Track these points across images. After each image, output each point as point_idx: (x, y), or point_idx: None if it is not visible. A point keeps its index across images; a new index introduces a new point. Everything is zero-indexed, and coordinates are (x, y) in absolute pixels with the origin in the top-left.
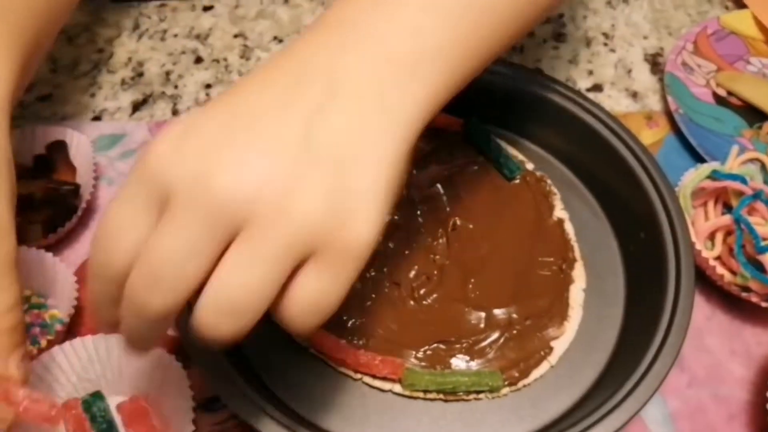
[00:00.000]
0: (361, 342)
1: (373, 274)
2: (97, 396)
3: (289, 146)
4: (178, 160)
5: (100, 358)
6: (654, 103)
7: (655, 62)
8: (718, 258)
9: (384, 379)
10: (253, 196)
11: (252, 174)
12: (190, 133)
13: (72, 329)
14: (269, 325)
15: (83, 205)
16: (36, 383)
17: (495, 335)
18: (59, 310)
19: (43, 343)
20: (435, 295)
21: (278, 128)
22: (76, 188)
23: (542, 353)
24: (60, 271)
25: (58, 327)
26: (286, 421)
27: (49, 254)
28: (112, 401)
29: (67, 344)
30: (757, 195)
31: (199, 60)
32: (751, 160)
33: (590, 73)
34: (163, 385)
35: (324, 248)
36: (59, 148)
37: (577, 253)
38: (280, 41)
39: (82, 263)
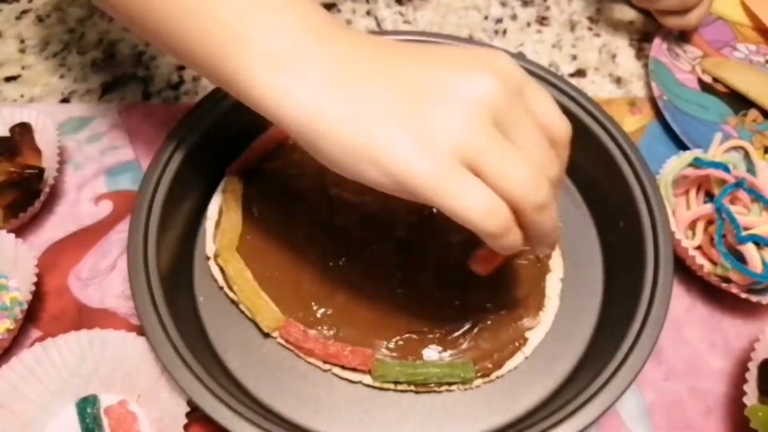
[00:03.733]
0: (330, 332)
1: (345, 262)
2: (89, 401)
3: None
4: None
5: (94, 354)
6: (638, 89)
7: (640, 47)
8: (698, 248)
9: (354, 370)
10: None
11: None
12: None
13: (30, 315)
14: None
15: (47, 189)
16: (26, 375)
17: (468, 325)
18: (20, 292)
19: (2, 329)
20: (408, 284)
21: None
22: (41, 172)
23: (517, 344)
24: (21, 252)
25: (19, 313)
26: (250, 414)
27: (11, 235)
28: (104, 399)
29: (60, 338)
30: (739, 183)
31: None
32: (735, 148)
33: (574, 57)
34: (156, 384)
35: None
36: (24, 130)
37: None
38: None
39: (46, 249)
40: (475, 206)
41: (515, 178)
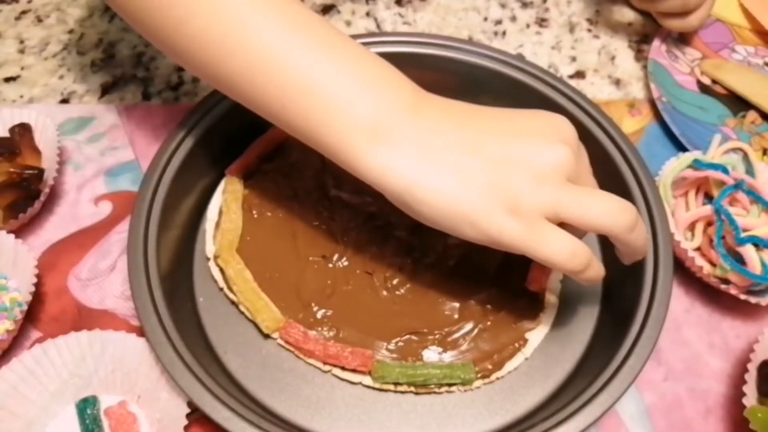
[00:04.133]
0: (330, 333)
1: (345, 263)
2: (89, 402)
3: None
4: None
5: (94, 354)
6: (637, 91)
7: (639, 49)
8: (697, 249)
9: (354, 371)
10: None
11: None
12: None
13: (30, 316)
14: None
15: (47, 190)
16: (25, 376)
17: (469, 326)
18: (19, 293)
19: (1, 330)
20: (408, 285)
21: None
22: (41, 173)
23: (516, 345)
24: (21, 253)
25: (18, 314)
26: (250, 415)
27: (11, 235)
28: (104, 400)
29: (60, 339)
30: (738, 185)
31: None
32: (734, 150)
33: (573, 59)
34: (156, 385)
35: None
36: (23, 131)
37: None
38: None
39: (46, 250)
40: (559, 252)
41: (597, 212)
